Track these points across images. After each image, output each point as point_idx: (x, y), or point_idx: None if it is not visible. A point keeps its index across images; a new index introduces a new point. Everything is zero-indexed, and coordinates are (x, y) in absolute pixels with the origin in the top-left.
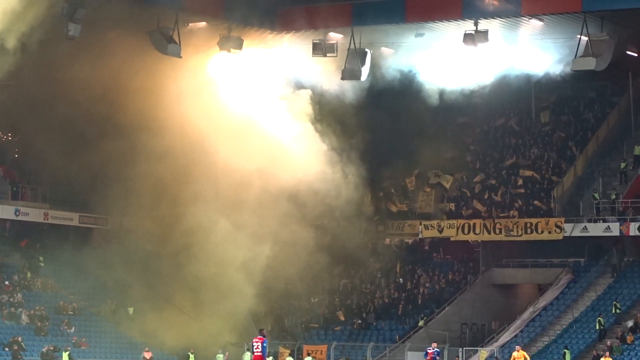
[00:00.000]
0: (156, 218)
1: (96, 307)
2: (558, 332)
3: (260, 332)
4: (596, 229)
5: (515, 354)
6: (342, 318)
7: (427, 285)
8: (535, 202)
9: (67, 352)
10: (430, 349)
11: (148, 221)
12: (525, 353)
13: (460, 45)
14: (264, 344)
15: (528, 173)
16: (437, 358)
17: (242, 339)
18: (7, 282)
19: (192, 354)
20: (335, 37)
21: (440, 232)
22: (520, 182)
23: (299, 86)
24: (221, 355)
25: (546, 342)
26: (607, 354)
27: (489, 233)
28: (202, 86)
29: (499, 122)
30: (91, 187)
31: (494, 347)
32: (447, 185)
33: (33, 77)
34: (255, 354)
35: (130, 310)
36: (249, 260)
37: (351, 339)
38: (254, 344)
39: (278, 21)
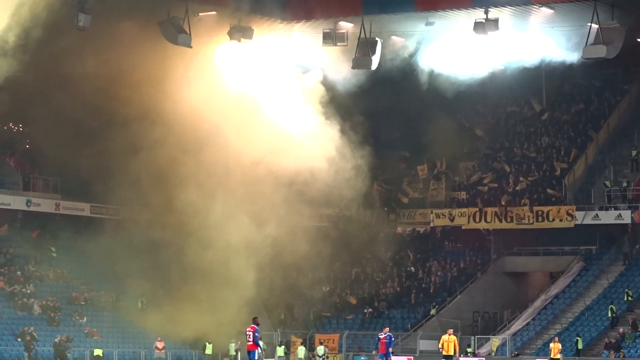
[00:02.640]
0: (166, 207)
1: (107, 298)
2: (570, 320)
3: (254, 320)
4: (608, 217)
5: (445, 337)
6: (354, 302)
7: (438, 273)
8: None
9: (101, 350)
10: (382, 335)
11: (158, 211)
12: (455, 338)
13: (470, 33)
14: (256, 333)
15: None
16: (391, 344)
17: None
18: (19, 273)
19: (209, 343)
20: (345, 26)
21: (452, 220)
22: (531, 170)
23: (311, 74)
24: (233, 345)
25: (558, 330)
26: (556, 339)
27: (501, 221)
28: (212, 75)
29: (509, 110)
30: (102, 177)
31: (506, 335)
32: (455, 177)
33: (43, 68)
34: (248, 343)
35: (142, 300)
36: (259, 250)
37: (363, 327)
38: (247, 333)
39: (288, 10)
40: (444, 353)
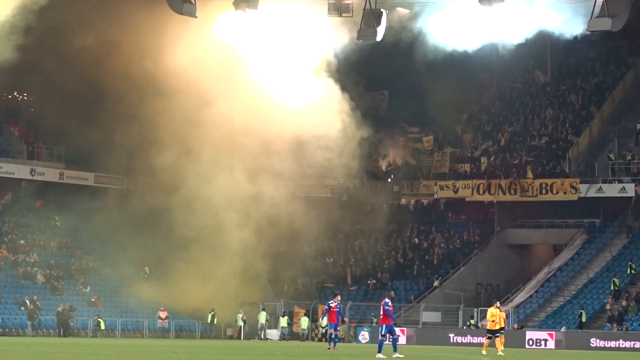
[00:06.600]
0: (168, 177)
1: (111, 267)
2: (573, 292)
3: (388, 294)
4: (611, 190)
5: (493, 310)
6: (349, 281)
7: (442, 245)
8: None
9: (103, 322)
10: (332, 303)
11: (161, 180)
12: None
13: (475, 5)
14: (386, 306)
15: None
16: (340, 313)
17: (259, 300)
18: (22, 242)
19: (212, 313)
20: None
21: (456, 192)
22: (535, 142)
23: (314, 44)
24: (240, 315)
25: (561, 303)
26: (497, 303)
27: (504, 193)
28: (216, 45)
29: (514, 83)
30: (106, 147)
31: (509, 307)
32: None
33: (47, 37)
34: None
35: (146, 269)
36: (262, 220)
37: (366, 298)
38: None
39: None
40: (490, 327)
